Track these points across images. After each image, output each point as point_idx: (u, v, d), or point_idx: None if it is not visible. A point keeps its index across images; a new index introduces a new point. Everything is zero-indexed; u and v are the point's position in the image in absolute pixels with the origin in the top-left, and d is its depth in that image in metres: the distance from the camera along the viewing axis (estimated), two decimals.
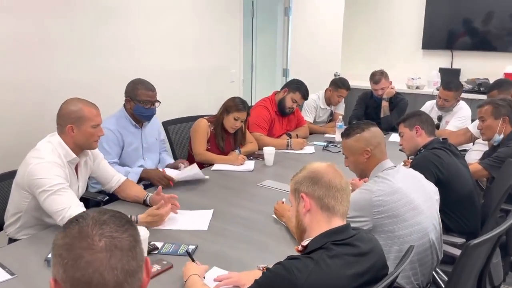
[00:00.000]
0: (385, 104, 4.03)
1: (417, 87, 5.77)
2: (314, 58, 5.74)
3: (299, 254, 1.33)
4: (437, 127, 3.84)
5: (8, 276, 1.62)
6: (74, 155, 2.10)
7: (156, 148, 2.97)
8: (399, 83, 5.86)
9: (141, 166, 2.79)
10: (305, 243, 1.35)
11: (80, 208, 1.95)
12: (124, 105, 2.75)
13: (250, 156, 3.18)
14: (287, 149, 3.40)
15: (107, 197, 2.49)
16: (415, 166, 2.28)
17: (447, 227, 2.27)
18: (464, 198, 2.27)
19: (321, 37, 5.81)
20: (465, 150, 3.44)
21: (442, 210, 2.22)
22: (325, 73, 5.69)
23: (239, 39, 4.90)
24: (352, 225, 1.73)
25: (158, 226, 2.06)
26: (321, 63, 5.82)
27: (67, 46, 3.15)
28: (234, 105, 3.02)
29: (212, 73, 4.57)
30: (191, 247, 1.86)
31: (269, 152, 3.02)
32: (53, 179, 1.94)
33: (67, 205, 1.92)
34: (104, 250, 0.85)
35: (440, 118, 3.83)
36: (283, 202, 2.16)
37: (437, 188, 1.99)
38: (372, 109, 4.17)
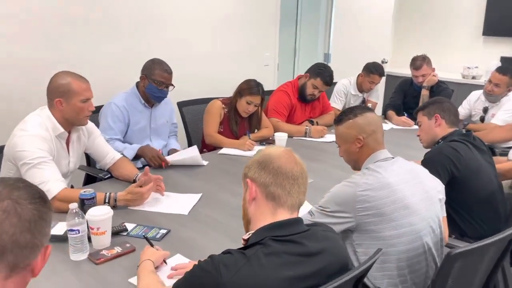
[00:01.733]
0: (425, 92, 3.68)
1: (473, 77, 5.26)
2: (359, 44, 5.40)
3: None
4: (482, 119, 3.46)
5: None
6: (62, 129, 2.05)
7: (166, 130, 2.89)
8: (453, 73, 5.40)
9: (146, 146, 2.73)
10: (246, 236, 1.19)
11: (60, 183, 1.91)
12: (137, 83, 2.70)
13: (263, 141, 3.01)
14: (305, 136, 3.19)
15: (109, 175, 2.44)
16: (427, 159, 2.02)
17: (461, 231, 2.00)
18: (483, 199, 1.98)
19: (368, 21, 5.45)
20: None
21: (456, 211, 1.96)
22: (372, 60, 5.33)
23: (275, 22, 4.71)
24: (332, 220, 1.57)
25: (138, 206, 1.97)
26: (367, 49, 5.46)
27: (96, 24, 3.18)
28: (247, 88, 2.87)
29: (244, 56, 4.44)
30: (163, 231, 1.76)
31: (280, 138, 2.83)
32: (34, 152, 1.91)
33: (46, 179, 1.88)
34: (2, 210, 0.84)
35: (485, 110, 3.44)
36: None
37: (442, 186, 1.72)
38: (411, 98, 3.83)
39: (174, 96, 2.98)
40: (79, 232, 1.53)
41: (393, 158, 1.70)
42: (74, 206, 1.55)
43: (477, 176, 1.98)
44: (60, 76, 2.04)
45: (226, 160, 2.71)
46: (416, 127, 3.48)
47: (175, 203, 2.04)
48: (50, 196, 1.86)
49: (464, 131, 2.13)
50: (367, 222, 1.55)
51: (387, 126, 3.67)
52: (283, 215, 1.17)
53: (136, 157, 2.56)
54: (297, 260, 1.10)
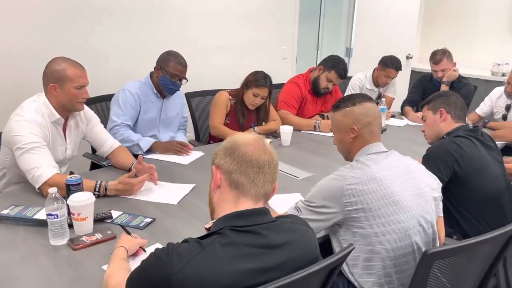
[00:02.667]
0: (444, 88, 3.51)
1: (503, 74, 5.01)
2: (383, 38, 5.24)
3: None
4: (504, 118, 3.28)
5: None
6: (58, 116, 2.06)
7: (175, 123, 2.88)
8: (482, 69, 5.16)
9: (153, 136, 2.72)
10: (208, 225, 1.14)
11: (51, 169, 1.91)
12: (151, 73, 2.69)
13: (270, 135, 2.95)
14: (315, 130, 3.11)
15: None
16: (428, 155, 1.92)
17: (464, 232, 1.88)
18: (488, 198, 1.85)
19: (393, 14, 5.28)
20: None
21: (458, 210, 1.86)
22: (396, 55, 5.12)
23: (294, 15, 4.62)
24: (319, 217, 1.51)
25: (130, 196, 1.96)
26: (391, 43, 5.29)
27: (110, 14, 3.21)
28: (254, 79, 2.81)
29: (261, 49, 4.38)
30: (147, 220, 1.74)
31: (285, 131, 2.76)
32: (28, 137, 1.92)
33: (38, 164, 1.89)
34: None
35: (508, 108, 3.26)
36: None
37: (439, 184, 1.62)
38: (430, 93, 3.59)
39: (190, 88, 2.96)
40: (57, 217, 1.52)
41: (387, 151, 1.61)
42: (53, 190, 1.54)
43: (482, 174, 1.86)
44: (56, 61, 2.04)
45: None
46: None
47: (167, 192, 2.01)
48: (41, 181, 1.88)
49: (471, 126, 2.00)
50: (354, 217, 1.47)
51: (402, 122, 3.54)
52: (246, 205, 1.11)
53: (149, 150, 2.56)
54: (257, 252, 1.04)
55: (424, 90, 3.74)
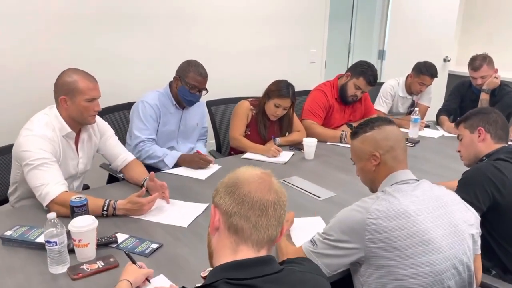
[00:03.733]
0: (484, 96, 3.26)
1: None
2: (419, 39, 4.98)
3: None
4: None
5: None
6: (69, 129, 1.99)
7: (195, 134, 2.77)
8: None
9: (171, 147, 2.63)
10: (205, 273, 1.01)
11: (59, 186, 1.84)
12: (170, 83, 2.60)
13: (293, 146, 2.80)
14: (341, 142, 2.93)
15: None
16: (464, 179, 1.73)
17: (504, 267, 1.68)
18: None
19: (429, 13, 5.00)
20: None
21: (498, 243, 1.66)
22: (433, 58, 4.84)
23: (324, 18, 4.43)
24: (337, 252, 1.36)
25: (140, 216, 1.86)
26: (428, 45, 5.04)
27: (131, 21, 3.15)
28: (276, 89, 2.67)
29: (289, 52, 4.22)
30: (154, 245, 1.63)
31: (309, 143, 2.60)
32: (36, 153, 1.85)
33: (46, 181, 1.83)
34: None
35: None
36: None
37: (478, 219, 1.43)
38: (469, 102, 3.42)
39: (212, 96, 2.86)
40: (56, 244, 1.43)
41: (417, 180, 1.44)
42: (52, 216, 1.45)
43: None
44: (67, 73, 1.97)
45: (246, 164, 2.52)
46: None
47: (178, 213, 1.90)
48: (48, 199, 1.81)
49: None
50: (378, 256, 1.31)
51: (438, 133, 3.31)
52: (245, 253, 0.97)
53: (176, 165, 2.47)
54: None
55: (462, 98, 3.50)
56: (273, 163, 2.54)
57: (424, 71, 3.33)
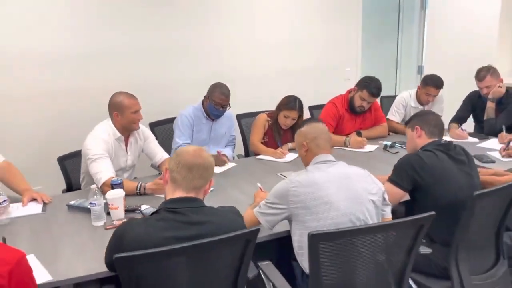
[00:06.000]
0: (490, 105, 3.53)
1: None
2: (457, 53, 5.20)
3: None
4: None
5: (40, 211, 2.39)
6: (119, 134, 2.78)
7: (223, 140, 3.45)
8: None
9: None
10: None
11: (109, 173, 2.60)
12: (203, 100, 3.34)
13: None
14: (345, 146, 3.42)
15: None
16: (395, 166, 2.19)
17: (430, 237, 2.11)
18: (449, 206, 2.04)
19: (467, 29, 5.21)
20: None
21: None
22: (472, 71, 5.10)
23: (356, 38, 4.92)
24: (272, 211, 1.94)
25: (161, 194, 2.56)
26: (466, 59, 5.22)
27: (191, 51, 4.01)
28: (285, 103, 3.26)
29: (323, 71, 4.77)
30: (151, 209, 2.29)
31: None
32: (95, 150, 2.65)
33: (100, 170, 2.61)
34: None
35: None
36: (260, 189, 2.39)
37: (380, 190, 1.91)
38: (480, 110, 3.68)
39: (256, 109, 3.55)
40: (96, 205, 2.17)
41: (335, 161, 1.96)
42: (94, 187, 2.21)
43: (442, 184, 2.05)
44: (115, 95, 2.76)
45: (260, 163, 3.17)
46: (472, 139, 3.42)
47: None
48: (101, 182, 2.57)
49: (443, 141, 2.21)
50: (297, 214, 1.86)
51: (447, 138, 3.62)
52: (178, 194, 1.61)
53: None
54: (179, 226, 1.53)
55: (473, 107, 3.77)
56: (279, 161, 3.13)
57: (429, 82, 3.68)
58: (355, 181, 1.88)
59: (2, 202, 2.21)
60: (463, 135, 3.53)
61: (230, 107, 3.25)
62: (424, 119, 2.28)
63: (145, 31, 3.88)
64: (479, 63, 5.21)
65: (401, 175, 2.12)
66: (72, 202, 2.43)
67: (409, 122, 2.36)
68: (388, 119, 3.87)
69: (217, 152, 3.20)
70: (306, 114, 3.69)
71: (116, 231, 1.59)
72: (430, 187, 2.08)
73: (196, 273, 1.52)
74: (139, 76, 3.87)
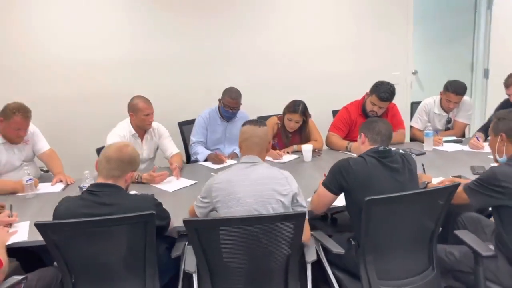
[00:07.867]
0: None
1: None
2: None
3: None
4: None
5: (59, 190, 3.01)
6: (134, 132, 3.30)
7: (237, 140, 3.76)
8: None
9: (217, 149, 3.70)
10: None
11: None
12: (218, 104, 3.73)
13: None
14: (347, 151, 3.47)
15: None
16: (329, 170, 2.29)
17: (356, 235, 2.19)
18: None
19: None
20: None
21: (351, 217, 2.24)
22: None
23: (406, 42, 4.79)
24: (201, 204, 2.24)
25: (155, 184, 3.00)
26: None
27: (233, 58, 4.47)
28: (287, 107, 3.46)
29: (371, 75, 4.70)
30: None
31: (306, 149, 3.30)
32: None
33: None
34: None
35: None
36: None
37: (292, 192, 2.07)
38: None
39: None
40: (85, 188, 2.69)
41: (256, 163, 2.16)
42: (86, 172, 2.74)
43: (365, 189, 2.08)
44: (133, 99, 3.28)
45: None
46: (488, 150, 3.23)
47: (174, 184, 2.96)
48: None
49: (381, 148, 2.23)
50: (218, 207, 2.12)
51: (459, 147, 3.45)
52: (100, 180, 2.01)
53: (206, 160, 3.55)
54: (93, 205, 1.93)
55: None
56: (276, 162, 3.34)
57: (450, 88, 3.50)
58: (266, 182, 2.06)
59: (28, 180, 2.85)
60: (478, 145, 3.31)
61: (239, 110, 3.55)
62: (369, 126, 2.32)
63: (196, 40, 4.37)
64: None
65: (330, 179, 2.23)
66: (82, 185, 2.99)
67: (360, 129, 2.42)
68: (411, 126, 3.77)
69: (215, 152, 3.52)
70: None
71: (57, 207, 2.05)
72: (353, 191, 2.15)
73: (100, 246, 1.89)
74: (189, 81, 4.41)
